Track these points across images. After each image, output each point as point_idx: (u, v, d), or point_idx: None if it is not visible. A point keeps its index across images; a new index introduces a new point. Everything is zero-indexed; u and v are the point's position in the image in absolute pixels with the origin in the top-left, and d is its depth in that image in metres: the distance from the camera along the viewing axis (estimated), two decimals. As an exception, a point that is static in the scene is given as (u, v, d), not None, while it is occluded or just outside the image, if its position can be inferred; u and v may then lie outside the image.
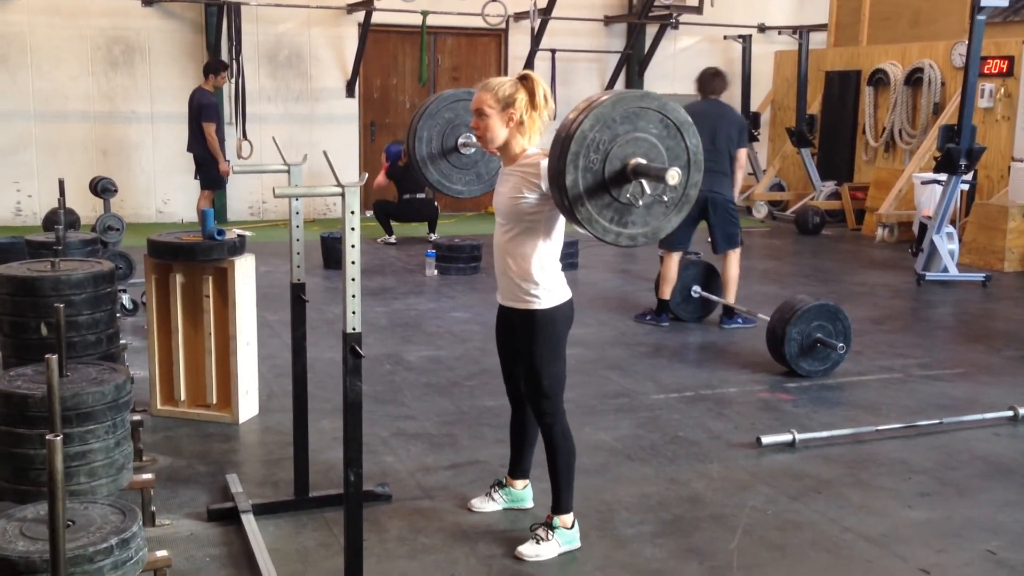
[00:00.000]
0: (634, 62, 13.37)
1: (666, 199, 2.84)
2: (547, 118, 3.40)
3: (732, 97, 13.98)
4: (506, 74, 13.22)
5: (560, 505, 3.46)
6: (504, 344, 3.59)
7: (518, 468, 3.77)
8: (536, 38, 12.32)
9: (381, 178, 10.51)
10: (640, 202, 2.79)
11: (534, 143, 3.40)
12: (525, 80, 3.37)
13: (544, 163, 3.20)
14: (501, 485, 3.79)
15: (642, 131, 2.78)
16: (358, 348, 2.70)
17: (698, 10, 12.78)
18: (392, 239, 10.33)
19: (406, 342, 6.38)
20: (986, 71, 10.51)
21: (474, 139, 3.56)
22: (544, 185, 3.20)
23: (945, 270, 8.68)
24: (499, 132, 3.33)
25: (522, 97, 3.32)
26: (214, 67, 9.43)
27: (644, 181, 2.79)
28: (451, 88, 12.94)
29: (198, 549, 3.43)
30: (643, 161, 2.77)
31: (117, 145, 11.42)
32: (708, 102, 6.78)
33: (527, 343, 3.40)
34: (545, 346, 3.38)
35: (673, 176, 2.68)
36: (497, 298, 3.51)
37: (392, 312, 7.23)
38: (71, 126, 11.19)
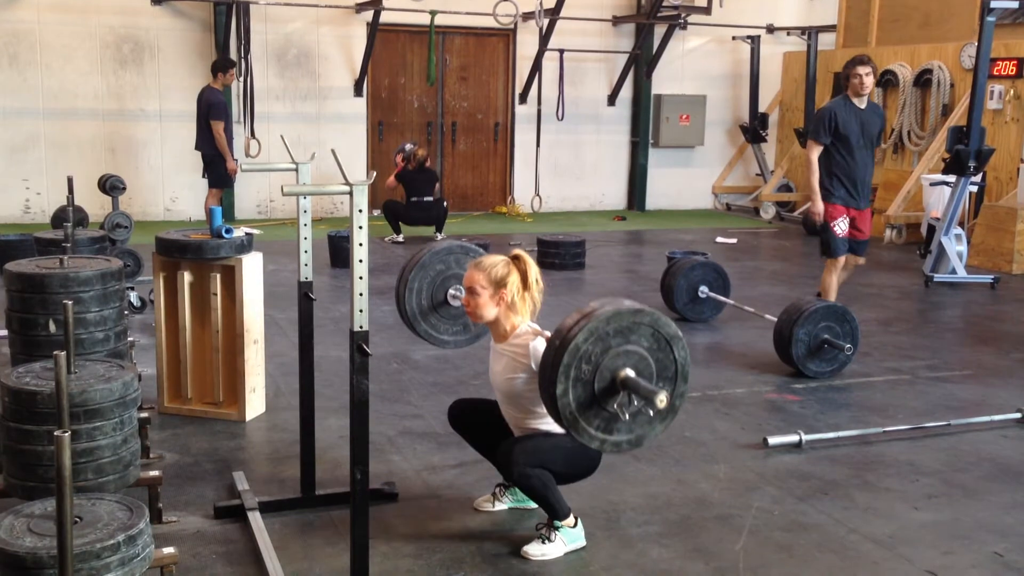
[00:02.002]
0: (642, 62, 13.36)
1: (652, 411, 2.86)
2: (538, 300, 3.53)
3: (740, 98, 14.05)
4: (514, 73, 13.26)
5: (556, 516, 3.45)
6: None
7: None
8: (544, 38, 12.32)
9: (391, 180, 10.52)
10: (627, 413, 2.83)
11: (524, 320, 3.51)
12: (517, 261, 3.49)
13: (534, 344, 3.38)
14: (507, 486, 3.79)
15: (633, 344, 2.82)
16: (365, 346, 2.70)
17: (707, 11, 12.76)
18: (400, 238, 10.34)
19: (412, 341, 6.36)
20: (995, 73, 10.47)
21: (464, 292, 3.61)
22: (534, 366, 3.30)
23: (953, 272, 8.66)
24: (488, 311, 3.47)
25: (514, 279, 3.45)
26: (222, 65, 9.46)
27: (632, 393, 2.84)
28: (459, 87, 12.85)
29: (204, 546, 3.44)
30: (633, 375, 2.81)
31: (126, 143, 11.45)
32: None
33: (549, 431, 3.43)
34: (562, 444, 3.39)
35: (661, 401, 2.72)
36: None
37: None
38: (80, 124, 11.22)
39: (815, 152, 6.34)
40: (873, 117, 6.34)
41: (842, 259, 6.50)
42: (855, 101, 6.28)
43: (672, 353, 2.88)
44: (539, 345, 3.34)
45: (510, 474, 3.38)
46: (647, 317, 2.84)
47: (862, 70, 6.19)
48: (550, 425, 3.43)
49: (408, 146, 10.62)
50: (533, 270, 3.51)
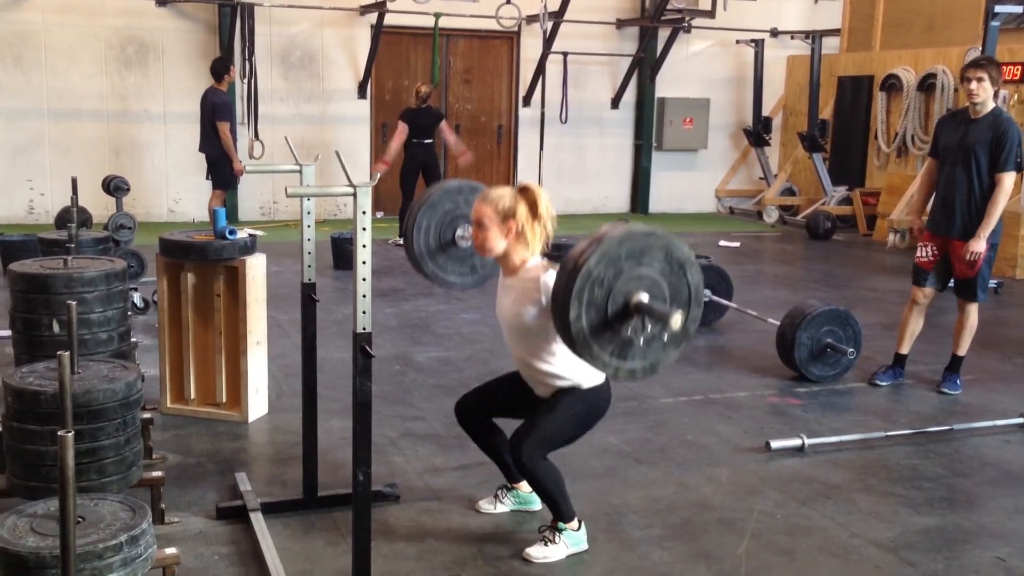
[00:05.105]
0: (646, 66, 13.36)
1: (666, 336, 2.85)
2: (550, 229, 3.43)
3: (744, 102, 14.05)
4: (518, 75, 13.25)
5: (561, 517, 3.45)
6: (515, 386, 3.58)
7: (511, 473, 3.76)
8: (548, 41, 12.32)
9: (400, 128, 10.12)
10: (640, 339, 2.81)
11: (536, 253, 3.43)
12: (525, 192, 3.40)
13: (545, 277, 3.28)
14: (509, 488, 3.79)
15: (646, 267, 2.80)
16: (368, 348, 2.70)
17: (711, 14, 12.75)
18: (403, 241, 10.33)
19: (415, 343, 6.38)
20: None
21: (471, 233, 3.57)
22: (545, 300, 3.24)
23: (957, 276, 8.62)
24: (498, 243, 3.38)
25: (522, 209, 3.36)
26: (223, 67, 9.45)
27: (646, 317, 2.82)
28: (463, 89, 12.74)
29: (207, 547, 3.44)
30: (646, 299, 2.79)
31: (130, 144, 11.46)
32: None
33: (552, 404, 3.40)
34: (568, 416, 3.38)
35: (676, 320, 2.70)
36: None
37: (402, 313, 7.24)
38: (84, 125, 11.24)
39: (925, 168, 5.71)
40: (980, 131, 5.26)
41: (917, 292, 5.67)
42: (970, 112, 5.35)
43: (685, 277, 2.85)
44: (551, 278, 3.20)
45: (521, 468, 3.36)
46: (659, 240, 2.80)
47: (970, 75, 5.29)
48: (559, 366, 3.36)
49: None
50: (543, 199, 3.39)
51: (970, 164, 5.29)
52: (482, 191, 3.51)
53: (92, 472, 3.20)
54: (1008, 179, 5.25)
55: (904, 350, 5.78)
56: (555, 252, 8.90)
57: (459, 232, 3.67)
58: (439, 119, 10.37)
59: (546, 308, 3.22)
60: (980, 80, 5.24)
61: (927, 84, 11.72)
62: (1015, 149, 5.23)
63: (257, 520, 3.56)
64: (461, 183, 3.74)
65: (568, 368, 3.35)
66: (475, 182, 3.74)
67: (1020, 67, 10.54)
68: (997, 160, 5.23)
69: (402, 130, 10.12)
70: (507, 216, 3.35)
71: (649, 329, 2.79)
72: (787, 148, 14.15)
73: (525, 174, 13.14)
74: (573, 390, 3.39)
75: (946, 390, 5.53)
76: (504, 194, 3.38)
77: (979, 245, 5.32)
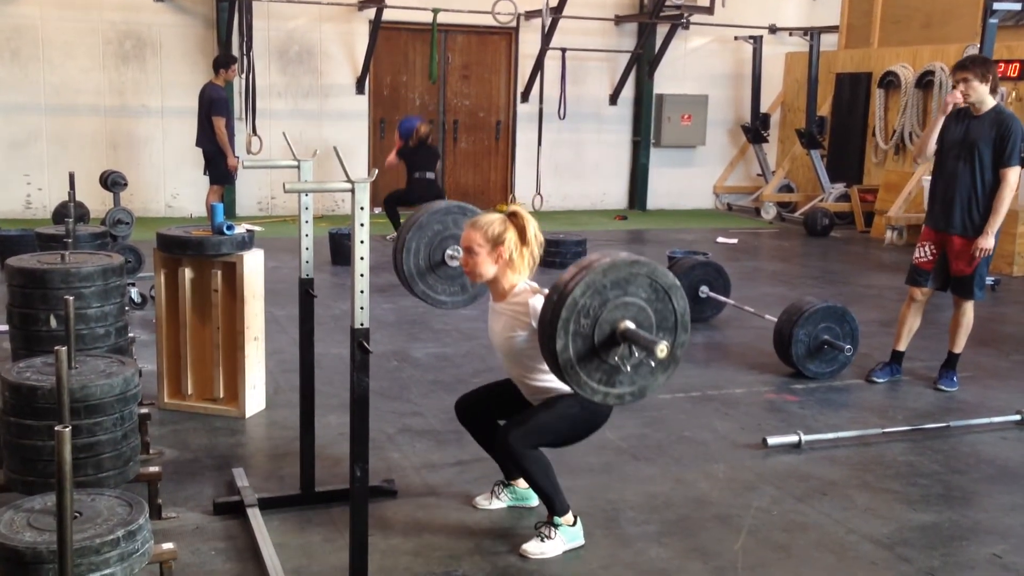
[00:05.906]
0: (644, 62, 13.36)
1: (653, 362, 2.86)
2: (537, 254, 3.49)
3: (742, 99, 14.05)
4: (516, 71, 13.23)
5: (555, 510, 3.45)
6: (515, 390, 3.60)
7: (509, 469, 3.76)
8: (546, 37, 12.31)
9: (392, 157, 10.38)
10: (628, 365, 2.82)
11: (524, 277, 3.49)
12: (514, 217, 3.45)
13: (533, 301, 3.35)
14: (506, 484, 3.80)
15: (632, 295, 2.81)
16: (366, 344, 2.70)
17: (709, 10, 12.75)
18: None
19: (413, 339, 6.39)
20: (998, 74, 10.46)
21: (461, 251, 3.59)
22: (534, 323, 3.27)
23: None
24: (487, 269, 3.44)
25: (511, 235, 3.41)
26: (224, 61, 9.46)
27: (632, 344, 2.83)
28: (461, 85, 12.79)
29: (204, 542, 3.44)
30: (632, 326, 2.80)
31: (127, 139, 11.45)
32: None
33: (550, 402, 3.42)
34: (564, 414, 3.39)
35: (662, 351, 2.70)
36: None
37: (399, 309, 7.24)
38: (82, 120, 11.22)
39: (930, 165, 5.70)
40: (983, 127, 5.27)
41: (915, 291, 5.65)
42: (972, 109, 5.35)
43: (671, 303, 2.87)
44: (538, 303, 3.29)
45: (507, 452, 3.36)
46: (644, 268, 2.82)
47: (956, 78, 5.31)
48: (554, 382, 3.39)
49: (407, 124, 10.44)
50: (531, 225, 3.46)
51: (973, 160, 5.30)
52: (471, 215, 3.57)
53: (89, 467, 3.21)
54: (1013, 174, 5.26)
55: (901, 347, 5.78)
56: (551, 248, 8.81)
57: (448, 252, 3.74)
58: (437, 157, 10.50)
59: (536, 331, 3.24)
60: (966, 81, 5.26)
61: (925, 81, 11.72)
62: (1019, 144, 5.25)
63: (254, 516, 3.56)
64: (449, 204, 3.80)
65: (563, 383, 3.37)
66: (464, 203, 3.79)
67: (1019, 64, 10.54)
68: (1001, 156, 5.25)
69: (393, 160, 10.38)
70: (496, 242, 3.40)
71: (636, 356, 2.81)
72: (785, 145, 14.15)
73: (523, 170, 13.15)
74: (573, 395, 3.39)
75: (943, 387, 5.54)
76: (493, 220, 3.43)
77: (988, 242, 5.31)
